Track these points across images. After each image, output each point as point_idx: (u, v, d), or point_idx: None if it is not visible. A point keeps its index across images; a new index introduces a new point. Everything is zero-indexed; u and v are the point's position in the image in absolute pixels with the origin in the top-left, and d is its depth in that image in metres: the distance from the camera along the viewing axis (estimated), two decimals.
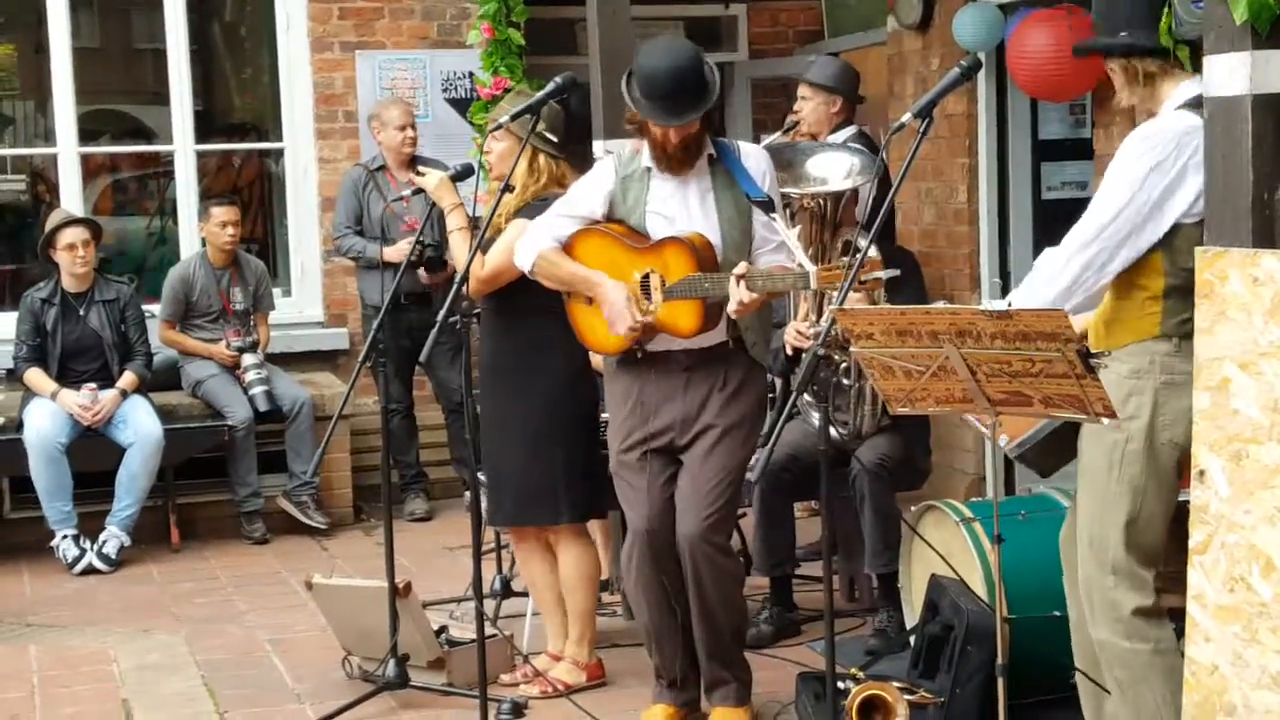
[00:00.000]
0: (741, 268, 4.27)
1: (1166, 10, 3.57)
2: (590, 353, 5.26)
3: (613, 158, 4.68)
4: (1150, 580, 3.69)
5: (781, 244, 4.47)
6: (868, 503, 5.38)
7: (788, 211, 5.20)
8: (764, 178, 4.51)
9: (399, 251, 6.99)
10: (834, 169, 5.50)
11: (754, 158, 4.55)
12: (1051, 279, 3.66)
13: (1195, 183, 3.52)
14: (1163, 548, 3.72)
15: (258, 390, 7.41)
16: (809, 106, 6.21)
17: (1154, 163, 3.55)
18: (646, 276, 4.44)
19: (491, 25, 7.39)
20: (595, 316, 4.55)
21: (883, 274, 3.95)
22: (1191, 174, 3.53)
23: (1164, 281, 3.61)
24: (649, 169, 4.53)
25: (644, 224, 4.52)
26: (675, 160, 4.46)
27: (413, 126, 7.65)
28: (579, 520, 5.07)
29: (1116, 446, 3.65)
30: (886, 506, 5.38)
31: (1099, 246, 3.60)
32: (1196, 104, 3.54)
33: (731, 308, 4.29)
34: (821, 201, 5.43)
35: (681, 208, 4.50)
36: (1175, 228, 3.57)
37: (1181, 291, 3.55)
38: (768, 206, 4.44)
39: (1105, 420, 3.46)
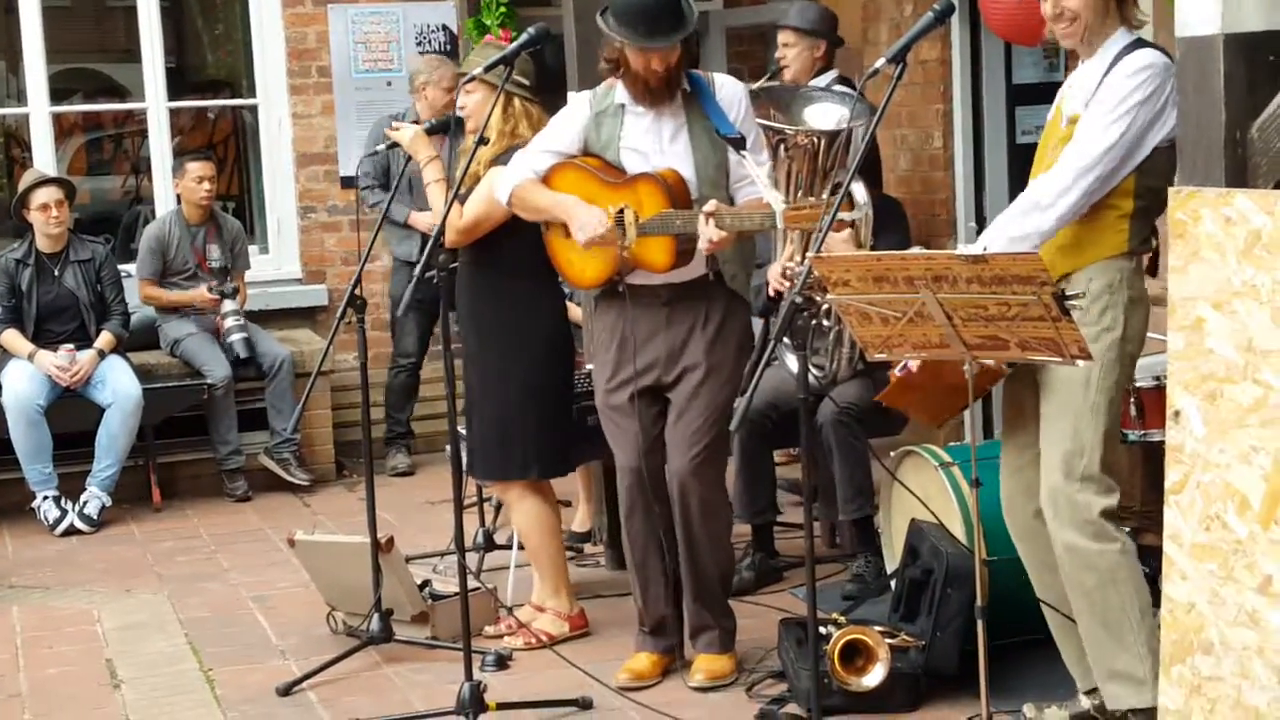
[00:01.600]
0: (711, 205, 4.28)
1: None
2: (569, 305, 5.27)
3: (587, 94, 4.67)
4: (1116, 488, 3.83)
5: (753, 180, 4.46)
6: (835, 450, 5.41)
7: (782, 148, 5.17)
8: (737, 108, 4.50)
9: (423, 220, 7.01)
10: (828, 117, 5.47)
11: (728, 89, 4.53)
12: (1052, 203, 3.74)
13: (1172, 114, 3.69)
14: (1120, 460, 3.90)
15: (236, 338, 7.37)
16: (793, 53, 6.16)
17: (1146, 95, 3.71)
18: (621, 212, 4.43)
19: None
20: (574, 249, 4.53)
21: (846, 216, 3.93)
22: (1170, 106, 3.70)
23: (1133, 203, 3.79)
24: (623, 105, 4.52)
25: (619, 160, 4.51)
26: (655, 92, 4.43)
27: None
28: (547, 477, 5.09)
29: (1097, 357, 3.72)
30: (854, 453, 5.41)
31: (1099, 171, 3.73)
32: (1142, 44, 3.77)
33: (701, 245, 4.31)
34: (815, 140, 5.39)
35: (656, 143, 4.49)
36: (1150, 151, 3.75)
37: (1146, 211, 3.80)
38: (738, 144, 4.43)
39: (1080, 363, 3.51)
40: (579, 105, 4.64)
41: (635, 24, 4.33)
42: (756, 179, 4.37)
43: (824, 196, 5.23)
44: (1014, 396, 4.01)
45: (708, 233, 4.26)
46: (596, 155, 4.55)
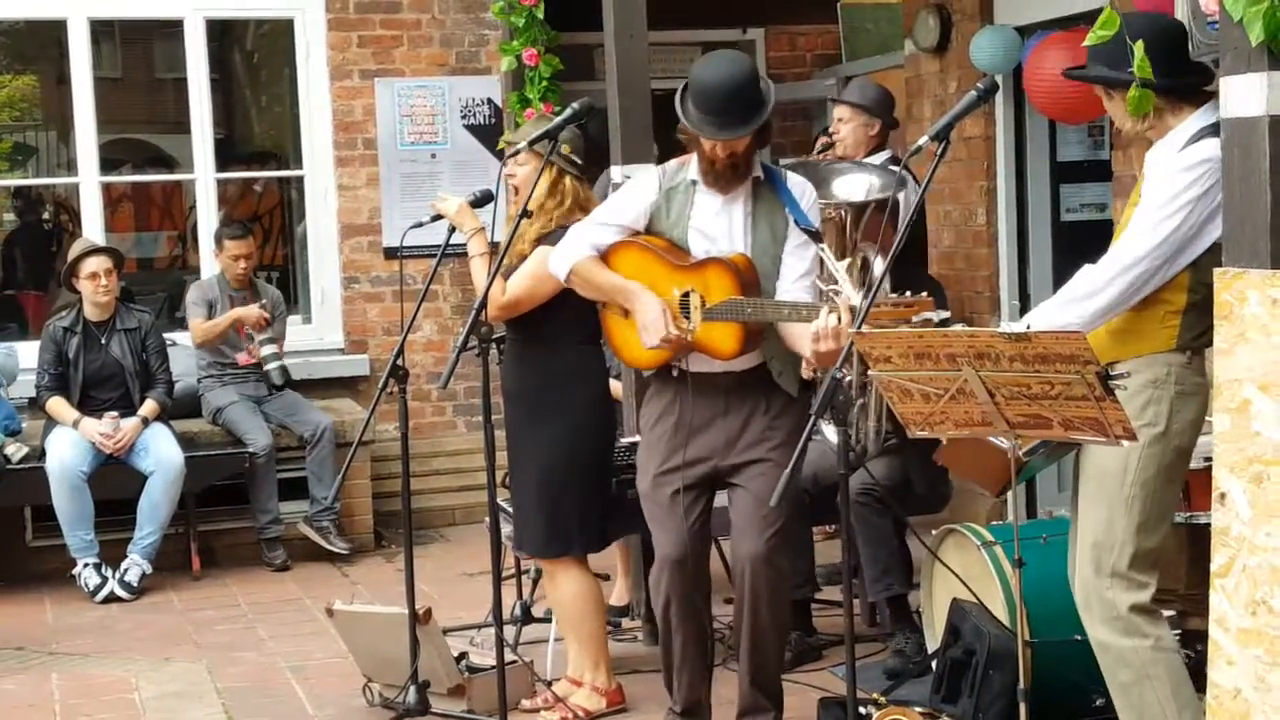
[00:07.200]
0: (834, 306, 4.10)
1: (1141, 50, 3.61)
2: (610, 381, 5.25)
3: (657, 170, 4.61)
4: (1150, 583, 3.75)
5: (805, 274, 4.41)
6: (857, 530, 5.34)
7: None
8: (806, 202, 4.46)
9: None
10: (857, 186, 5.52)
11: (799, 188, 4.48)
12: (1092, 295, 3.71)
13: None
14: (1161, 554, 3.78)
15: (272, 366, 7.44)
16: (848, 128, 6.20)
17: (1202, 190, 3.65)
18: (686, 295, 4.38)
19: (539, 53, 7.45)
20: (631, 329, 4.45)
21: (934, 315, 3.86)
22: None
23: (1186, 298, 3.72)
24: (694, 182, 4.46)
25: (685, 240, 4.44)
26: (723, 177, 4.39)
27: None
28: (586, 553, 5.07)
29: (1134, 450, 3.68)
30: (875, 532, 5.35)
31: (1144, 267, 3.68)
32: (1216, 131, 3.59)
33: (807, 349, 4.12)
34: (843, 213, 5.43)
35: (724, 227, 4.43)
36: (1209, 247, 3.67)
37: (1200, 307, 3.68)
38: (818, 237, 4.39)
39: (1124, 443, 3.47)
40: (647, 182, 4.55)
41: (707, 113, 4.27)
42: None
43: (855, 271, 5.22)
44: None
45: (826, 327, 4.02)
46: (660, 234, 4.48)
